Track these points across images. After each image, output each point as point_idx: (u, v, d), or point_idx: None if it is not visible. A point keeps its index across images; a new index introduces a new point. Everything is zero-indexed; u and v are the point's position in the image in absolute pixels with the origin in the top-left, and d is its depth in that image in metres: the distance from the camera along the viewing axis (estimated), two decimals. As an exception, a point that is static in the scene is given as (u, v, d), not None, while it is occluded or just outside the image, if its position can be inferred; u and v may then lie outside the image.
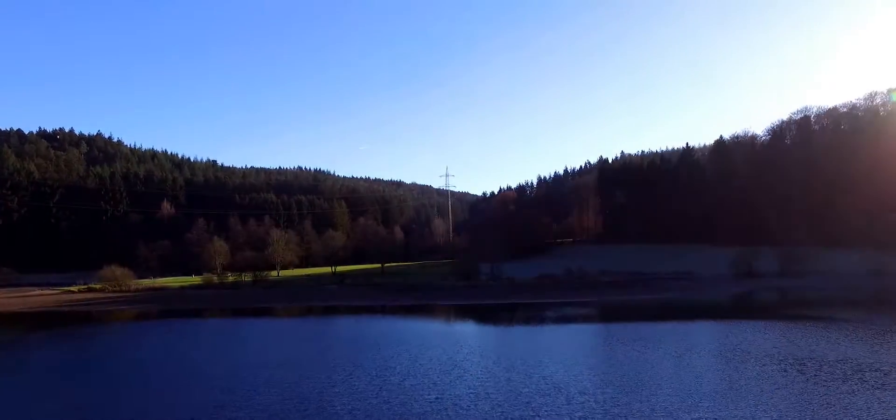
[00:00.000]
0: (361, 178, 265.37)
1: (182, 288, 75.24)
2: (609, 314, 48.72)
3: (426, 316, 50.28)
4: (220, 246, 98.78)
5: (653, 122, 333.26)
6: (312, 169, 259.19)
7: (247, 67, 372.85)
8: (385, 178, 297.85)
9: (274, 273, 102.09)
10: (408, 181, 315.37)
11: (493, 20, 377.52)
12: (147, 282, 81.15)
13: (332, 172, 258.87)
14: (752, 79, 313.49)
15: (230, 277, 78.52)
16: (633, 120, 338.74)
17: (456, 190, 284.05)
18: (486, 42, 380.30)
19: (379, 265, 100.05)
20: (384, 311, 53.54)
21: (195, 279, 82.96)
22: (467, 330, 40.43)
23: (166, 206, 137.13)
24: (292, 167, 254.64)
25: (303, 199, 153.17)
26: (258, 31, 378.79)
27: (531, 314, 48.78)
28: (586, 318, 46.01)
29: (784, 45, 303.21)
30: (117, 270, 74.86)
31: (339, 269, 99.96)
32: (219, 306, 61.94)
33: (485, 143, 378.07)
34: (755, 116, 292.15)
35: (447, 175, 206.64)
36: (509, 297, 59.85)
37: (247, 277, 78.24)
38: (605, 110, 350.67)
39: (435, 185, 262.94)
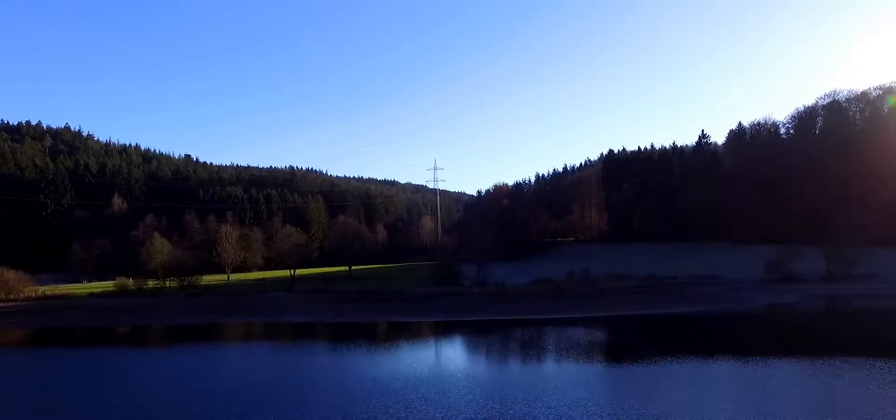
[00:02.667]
0: (353, 177, 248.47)
1: (90, 296, 60.42)
2: (630, 341, 33.92)
3: (368, 341, 35.55)
4: (159, 244, 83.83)
5: (655, 125, 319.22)
6: (304, 168, 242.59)
7: (245, 70, 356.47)
8: (378, 178, 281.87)
9: (224, 276, 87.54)
10: (402, 181, 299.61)
11: (495, 22, 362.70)
12: (46, 288, 66.15)
13: (324, 172, 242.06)
14: (753, 79, 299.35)
15: (151, 283, 63.74)
16: (634, 124, 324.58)
17: (452, 190, 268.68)
18: (489, 45, 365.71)
19: (347, 267, 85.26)
20: (318, 331, 38.94)
21: (108, 285, 68.29)
22: (406, 378, 25.02)
23: (118, 202, 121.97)
24: (283, 166, 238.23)
25: (273, 193, 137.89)
26: (262, 33, 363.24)
27: (520, 340, 34.20)
28: (600, 351, 31.23)
29: (791, 44, 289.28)
30: (8, 274, 59.94)
31: (300, 272, 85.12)
32: (124, 321, 47.12)
33: (486, 145, 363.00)
34: (757, 114, 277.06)
35: (435, 168, 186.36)
36: (494, 310, 45.04)
37: (172, 283, 63.65)
38: (607, 112, 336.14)
39: (431, 185, 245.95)
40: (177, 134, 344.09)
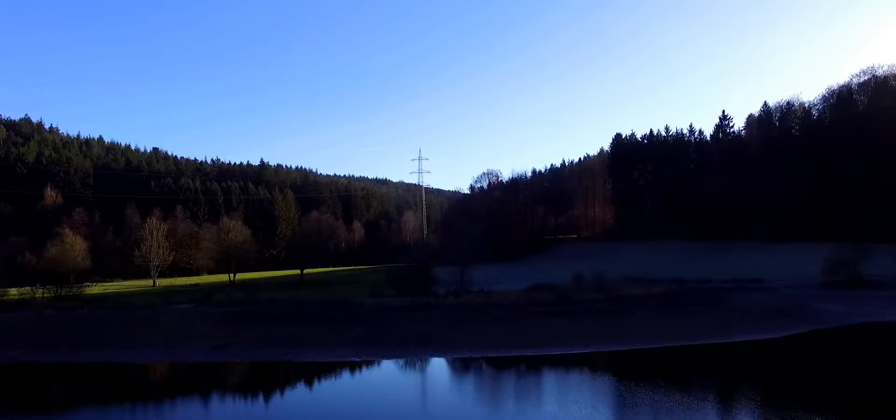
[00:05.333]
0: (344, 176, 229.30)
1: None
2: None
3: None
4: (72, 242, 67.87)
5: (662, 116, 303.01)
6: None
7: (245, 71, 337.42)
8: (370, 177, 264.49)
9: (149, 281, 71.66)
10: (395, 180, 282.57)
11: (496, 24, 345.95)
12: None
13: (315, 170, 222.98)
14: (762, 63, 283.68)
15: (13, 293, 47.71)
16: (639, 120, 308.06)
17: (447, 190, 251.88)
18: (489, 47, 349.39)
19: (299, 271, 69.29)
20: (171, 379, 23.23)
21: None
22: None
23: (51, 194, 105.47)
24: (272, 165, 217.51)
25: (233, 186, 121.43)
26: (263, 35, 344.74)
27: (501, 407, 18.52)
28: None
29: (807, 26, 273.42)
30: None
31: (244, 275, 69.41)
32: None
33: (485, 146, 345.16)
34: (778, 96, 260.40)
35: (419, 158, 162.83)
36: (469, 336, 29.10)
37: (46, 293, 47.68)
38: (611, 110, 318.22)
39: (425, 184, 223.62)
40: (174, 137, 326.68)
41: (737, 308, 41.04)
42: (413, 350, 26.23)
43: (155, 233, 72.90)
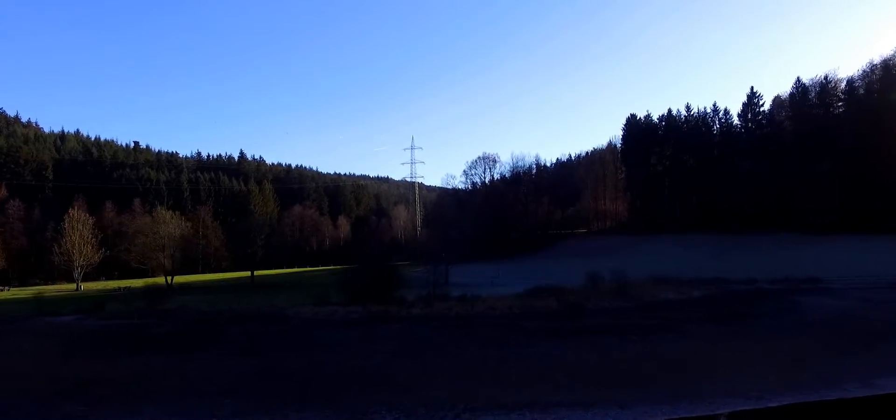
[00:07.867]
0: (345, 174, 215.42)
1: None
2: None
3: None
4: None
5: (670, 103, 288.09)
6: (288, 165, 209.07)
7: (248, 71, 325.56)
8: (371, 175, 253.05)
9: (72, 286, 60.17)
10: (397, 178, 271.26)
11: (506, 21, 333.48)
12: None
13: (316, 169, 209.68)
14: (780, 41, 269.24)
15: None
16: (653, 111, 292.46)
17: (448, 187, 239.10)
18: (495, 48, 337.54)
19: (249, 273, 57.64)
20: None
21: None
22: None
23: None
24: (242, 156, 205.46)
25: (202, 177, 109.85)
26: (267, 35, 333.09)
27: None
28: None
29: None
30: None
31: (180, 279, 58.07)
32: None
33: (488, 147, 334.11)
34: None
35: (412, 148, 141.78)
36: (413, 376, 16.98)
37: None
38: (623, 108, 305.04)
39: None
40: (176, 140, 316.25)
41: (820, 322, 28.66)
42: (294, 413, 13.98)
43: (76, 226, 61.15)
